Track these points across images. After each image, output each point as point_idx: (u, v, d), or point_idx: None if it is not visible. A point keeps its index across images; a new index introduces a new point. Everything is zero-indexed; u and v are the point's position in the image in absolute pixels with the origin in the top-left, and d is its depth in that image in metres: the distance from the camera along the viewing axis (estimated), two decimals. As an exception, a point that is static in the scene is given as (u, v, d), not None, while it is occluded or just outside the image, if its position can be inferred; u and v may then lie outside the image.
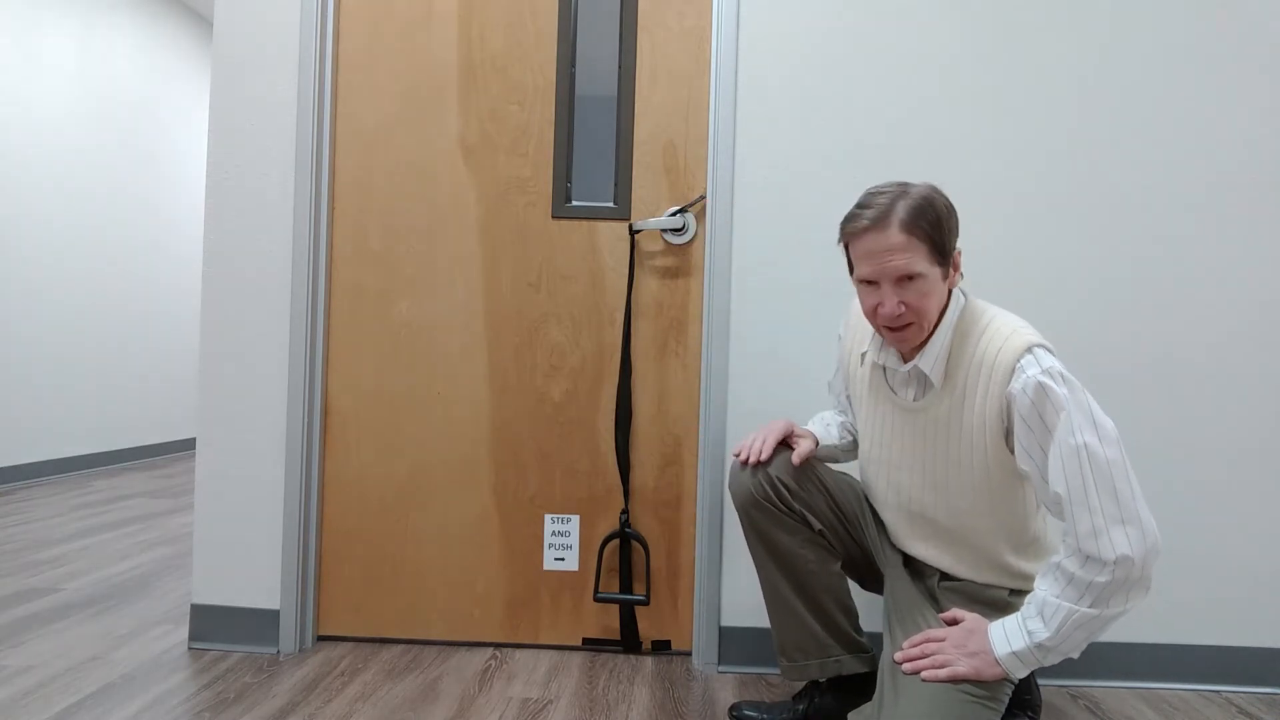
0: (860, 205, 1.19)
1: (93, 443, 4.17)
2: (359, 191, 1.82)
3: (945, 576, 1.30)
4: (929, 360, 1.21)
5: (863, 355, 1.36)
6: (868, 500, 1.41)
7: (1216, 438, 1.71)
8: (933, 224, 1.15)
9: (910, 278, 1.15)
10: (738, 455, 1.37)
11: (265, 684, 1.57)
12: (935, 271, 1.16)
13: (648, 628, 1.81)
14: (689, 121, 1.80)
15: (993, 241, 1.73)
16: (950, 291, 1.22)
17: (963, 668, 1.12)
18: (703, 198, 1.78)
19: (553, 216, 1.81)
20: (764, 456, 1.32)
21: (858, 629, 1.39)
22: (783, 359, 1.73)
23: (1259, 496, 1.71)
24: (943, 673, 1.13)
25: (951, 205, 1.19)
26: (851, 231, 1.19)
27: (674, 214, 1.76)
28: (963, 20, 1.73)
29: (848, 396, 1.47)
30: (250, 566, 1.75)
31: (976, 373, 1.18)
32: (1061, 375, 1.11)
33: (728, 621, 1.73)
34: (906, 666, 1.16)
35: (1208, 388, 1.71)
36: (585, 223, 1.81)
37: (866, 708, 1.26)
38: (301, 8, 1.74)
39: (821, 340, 1.73)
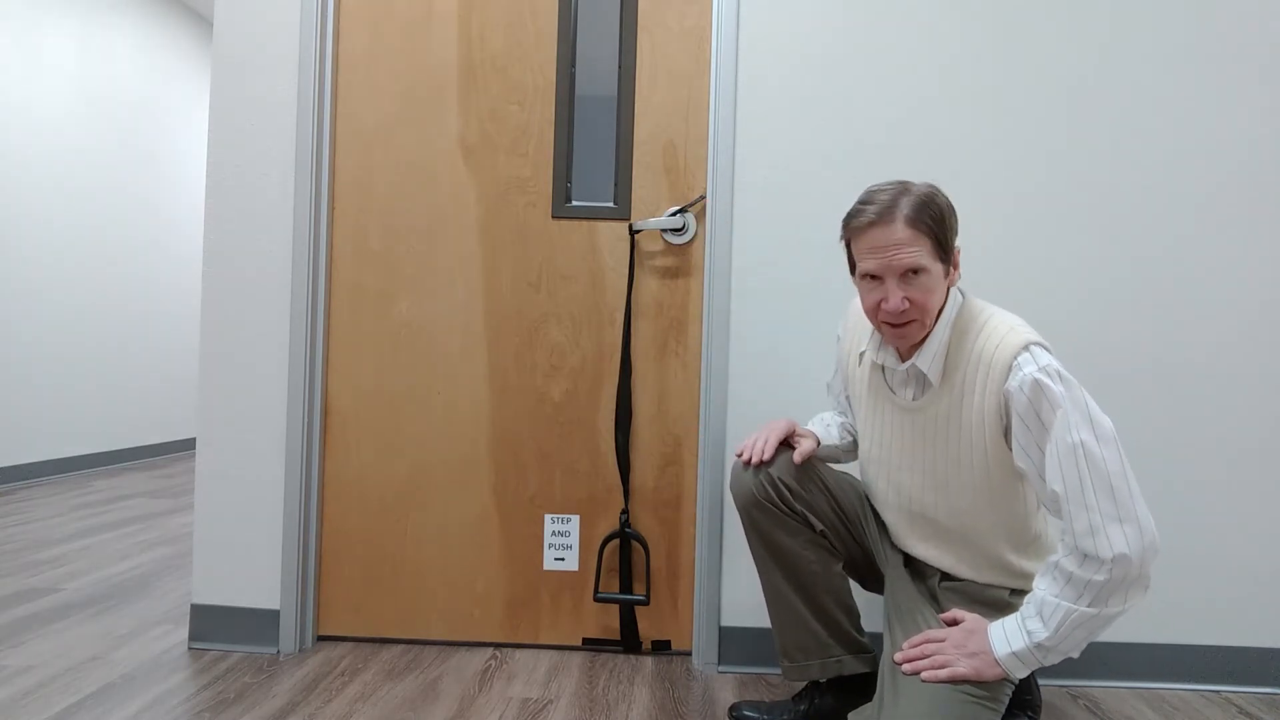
0: (863, 201, 1.19)
1: (93, 443, 4.17)
2: (359, 191, 1.82)
3: (946, 577, 1.30)
4: (927, 359, 1.21)
5: (861, 354, 1.36)
6: (868, 500, 1.41)
7: (1216, 438, 1.71)
8: (936, 219, 1.16)
9: (915, 272, 1.16)
10: (740, 455, 1.37)
11: (265, 684, 1.57)
12: (938, 268, 1.17)
13: (648, 628, 1.81)
14: (689, 121, 1.80)
15: (993, 241, 1.73)
16: (949, 290, 1.22)
17: (963, 668, 1.12)
18: (703, 198, 1.78)
19: (553, 216, 1.81)
20: (766, 456, 1.32)
21: (859, 629, 1.39)
22: (783, 359, 1.73)
23: (1259, 496, 1.71)
24: (943, 673, 1.13)
25: (952, 205, 1.19)
26: (856, 227, 1.19)
27: (674, 214, 1.76)
28: (963, 20, 1.73)
29: (846, 397, 1.47)
30: (250, 566, 1.75)
31: (974, 371, 1.18)
32: (1058, 373, 1.11)
33: (728, 621, 1.73)
34: (906, 667, 1.16)
35: (1208, 388, 1.71)
36: (585, 223, 1.81)
37: (867, 708, 1.25)
38: (301, 8, 1.74)
39: (821, 340, 1.73)
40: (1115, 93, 1.72)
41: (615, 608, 1.81)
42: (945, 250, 1.17)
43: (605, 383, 1.81)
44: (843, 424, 1.49)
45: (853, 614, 1.38)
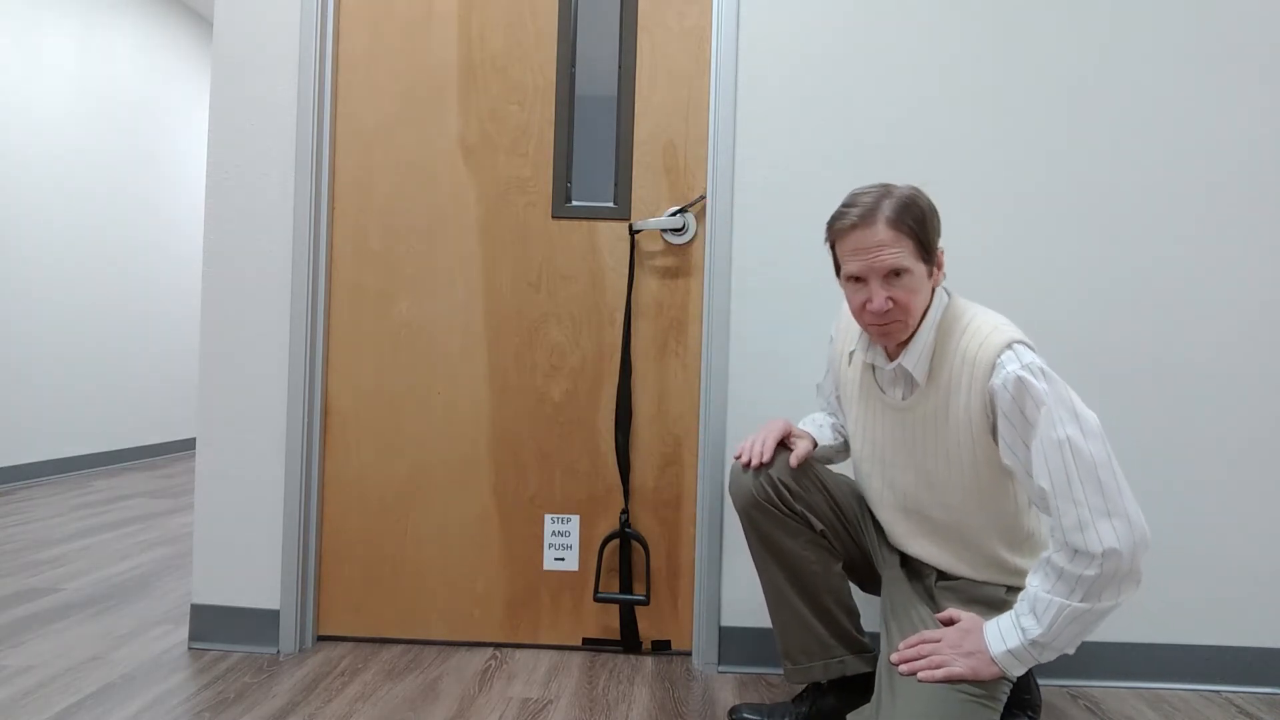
0: (846, 204, 1.21)
1: (93, 443, 4.17)
2: (359, 191, 1.82)
3: (942, 576, 1.31)
4: (913, 358, 1.23)
5: (850, 354, 1.37)
6: (864, 501, 1.41)
7: (1216, 438, 1.71)
8: (918, 221, 1.18)
9: (898, 273, 1.17)
10: (738, 458, 1.37)
11: (265, 684, 1.57)
12: (921, 268, 1.19)
13: (648, 628, 1.81)
14: (689, 121, 1.80)
15: (993, 241, 1.73)
16: (934, 290, 1.24)
17: (959, 668, 1.13)
18: (703, 198, 1.78)
19: (553, 216, 1.81)
20: (765, 458, 1.32)
21: (860, 629, 1.39)
22: (783, 359, 1.73)
23: (1259, 496, 1.71)
24: (939, 673, 1.13)
25: (934, 206, 1.21)
26: (839, 230, 1.21)
27: (674, 214, 1.76)
28: (963, 20, 1.73)
29: (837, 398, 1.48)
30: (250, 566, 1.75)
31: (959, 370, 1.20)
32: (1041, 370, 1.12)
33: (728, 621, 1.73)
34: (903, 668, 1.16)
35: (1208, 388, 1.71)
36: (585, 223, 1.81)
37: (866, 709, 1.26)
38: (301, 8, 1.74)
39: (821, 340, 1.73)
40: (1115, 93, 1.72)
41: (615, 608, 1.81)
42: (928, 251, 1.19)
43: (605, 383, 1.81)
44: (834, 424, 1.50)
45: (853, 614, 1.38)
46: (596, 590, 1.77)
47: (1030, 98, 1.73)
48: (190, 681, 1.57)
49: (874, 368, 1.32)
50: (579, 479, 1.81)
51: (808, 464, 1.36)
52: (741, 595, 1.74)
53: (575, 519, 1.82)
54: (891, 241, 1.16)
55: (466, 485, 1.82)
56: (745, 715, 1.42)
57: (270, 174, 1.75)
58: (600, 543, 1.81)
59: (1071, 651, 1.15)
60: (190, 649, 1.73)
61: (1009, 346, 1.16)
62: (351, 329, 1.82)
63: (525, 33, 1.81)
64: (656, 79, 1.80)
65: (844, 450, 1.50)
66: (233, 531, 1.76)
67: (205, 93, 5.05)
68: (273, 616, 1.74)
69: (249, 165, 1.76)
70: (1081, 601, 1.08)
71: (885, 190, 1.19)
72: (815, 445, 1.39)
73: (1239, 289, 1.71)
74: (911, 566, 1.36)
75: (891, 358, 1.27)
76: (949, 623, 1.21)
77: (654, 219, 1.77)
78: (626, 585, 1.79)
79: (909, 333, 1.22)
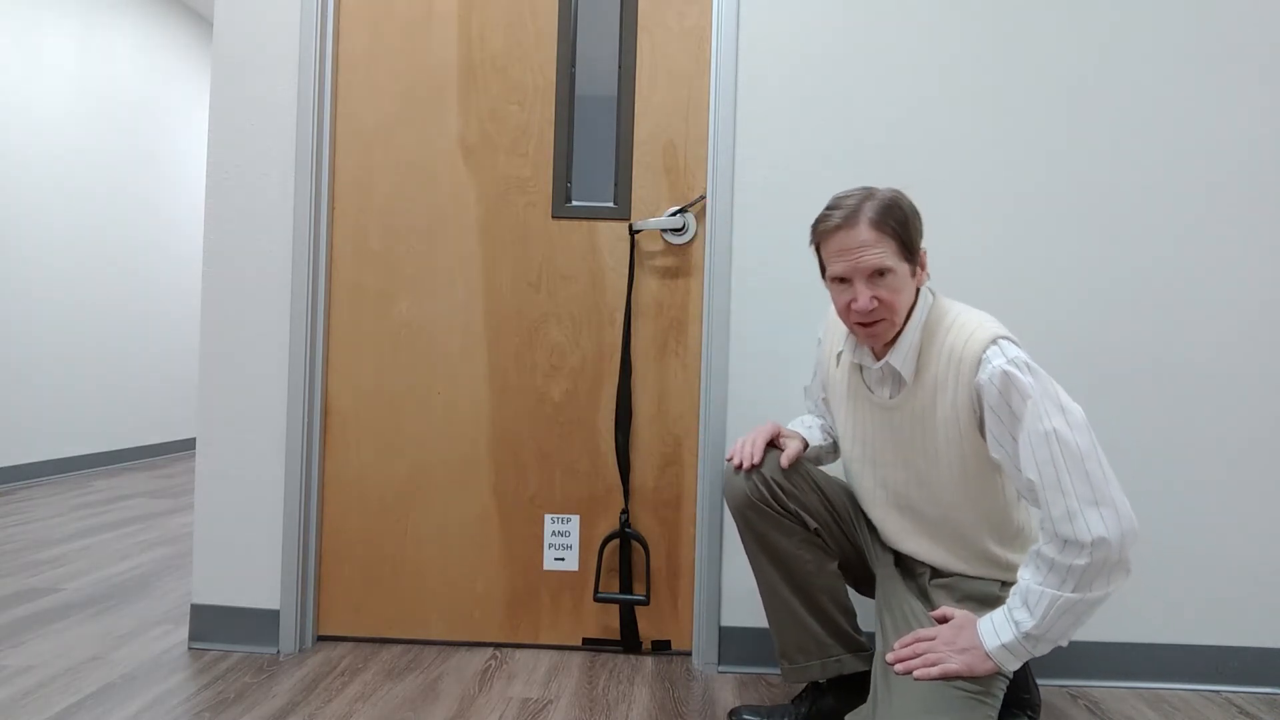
0: (830, 207, 1.24)
1: (93, 443, 4.17)
2: (359, 191, 1.82)
3: (936, 574, 1.32)
4: (899, 357, 1.24)
5: (838, 355, 1.38)
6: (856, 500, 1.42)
7: (1216, 438, 1.71)
8: (900, 222, 1.20)
9: (881, 273, 1.20)
10: (730, 460, 1.38)
11: (265, 684, 1.57)
12: (904, 268, 1.21)
13: (648, 628, 1.81)
14: (689, 121, 1.80)
15: (993, 241, 1.73)
16: (918, 290, 1.26)
17: (954, 665, 1.13)
18: (703, 198, 1.78)
19: (553, 216, 1.81)
20: (756, 459, 1.33)
21: (856, 628, 1.39)
22: (783, 359, 1.73)
23: (1259, 496, 1.71)
24: (934, 670, 1.13)
25: (916, 208, 1.24)
26: (823, 231, 1.24)
27: (674, 214, 1.76)
28: (963, 20, 1.73)
29: (825, 400, 1.49)
30: (250, 566, 1.75)
31: (945, 367, 1.21)
32: (1026, 364, 1.14)
33: (728, 621, 1.73)
34: (899, 667, 1.17)
35: (1208, 388, 1.71)
36: (585, 223, 1.81)
37: (863, 709, 1.26)
38: (301, 8, 1.74)
39: (821, 340, 1.73)
40: (1115, 93, 1.72)
41: (615, 608, 1.81)
42: (910, 251, 1.22)
43: (605, 383, 1.81)
44: (822, 425, 1.51)
45: (849, 613, 1.39)
46: (596, 590, 1.77)
47: (1030, 98, 1.73)
48: (190, 681, 1.57)
49: (861, 368, 1.34)
50: (579, 479, 1.81)
51: (800, 464, 1.36)
52: (741, 595, 1.74)
53: (575, 519, 1.82)
54: (874, 242, 1.19)
55: (466, 485, 1.82)
56: (745, 717, 1.42)
57: (270, 174, 1.75)
58: (600, 543, 1.81)
59: (1065, 644, 1.16)
60: (190, 649, 1.73)
61: (994, 342, 1.17)
62: (351, 329, 1.82)
63: (525, 33, 1.81)
64: (656, 79, 1.80)
65: (833, 451, 1.51)
66: (233, 531, 1.76)
67: (205, 93, 5.05)
68: (273, 616, 1.74)
69: (249, 165, 1.76)
70: (1073, 592, 1.09)
71: (868, 193, 1.22)
72: (806, 446, 1.39)
73: (1239, 289, 1.71)
74: (905, 565, 1.36)
75: (878, 357, 1.29)
76: (943, 620, 1.22)
77: (654, 219, 1.77)
78: (626, 585, 1.79)
79: (895, 332, 1.24)
